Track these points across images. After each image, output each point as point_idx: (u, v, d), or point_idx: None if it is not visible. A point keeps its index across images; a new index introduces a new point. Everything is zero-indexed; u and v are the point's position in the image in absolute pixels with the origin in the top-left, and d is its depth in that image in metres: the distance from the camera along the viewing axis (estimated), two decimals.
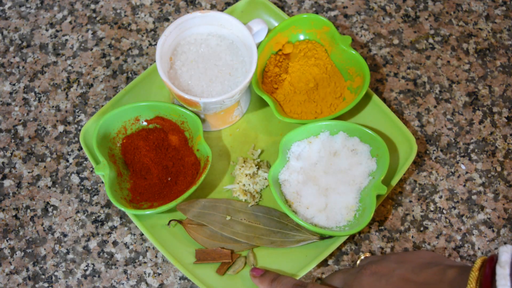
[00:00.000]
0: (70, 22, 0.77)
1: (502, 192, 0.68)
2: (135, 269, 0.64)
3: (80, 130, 0.70)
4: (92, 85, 0.73)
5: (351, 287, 0.53)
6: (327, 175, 0.64)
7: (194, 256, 0.63)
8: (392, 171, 0.65)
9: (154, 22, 0.77)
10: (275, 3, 0.77)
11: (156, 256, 0.64)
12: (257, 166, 0.66)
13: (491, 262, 0.45)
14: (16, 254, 0.65)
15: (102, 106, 0.70)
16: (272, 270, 0.62)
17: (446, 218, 0.66)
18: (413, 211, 0.67)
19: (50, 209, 0.67)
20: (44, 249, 0.65)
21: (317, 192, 0.63)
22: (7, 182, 0.68)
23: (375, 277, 0.52)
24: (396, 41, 0.76)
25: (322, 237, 0.62)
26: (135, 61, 0.74)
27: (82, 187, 0.68)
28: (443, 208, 0.67)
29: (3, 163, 0.69)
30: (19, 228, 0.66)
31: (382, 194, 0.62)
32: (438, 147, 0.70)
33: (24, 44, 0.75)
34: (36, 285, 0.63)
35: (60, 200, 0.67)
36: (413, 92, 0.73)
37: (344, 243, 0.65)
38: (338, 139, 0.66)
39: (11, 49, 0.75)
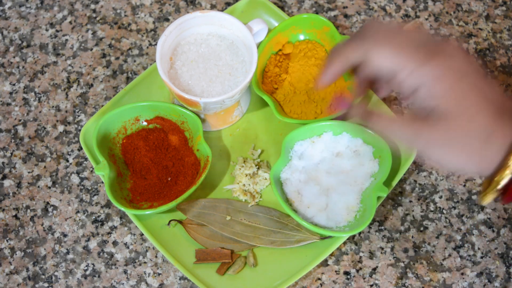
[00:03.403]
0: (70, 22, 0.77)
1: None
2: (135, 269, 0.64)
3: (80, 130, 0.70)
4: (92, 85, 0.73)
5: (441, 45, 0.47)
6: (329, 175, 0.64)
7: (194, 256, 0.63)
8: (392, 171, 0.65)
9: (154, 22, 0.77)
10: (275, 3, 0.77)
11: (156, 256, 0.64)
12: (257, 166, 0.66)
13: None
14: (16, 254, 0.65)
15: (102, 106, 0.70)
16: (272, 270, 0.62)
17: (446, 218, 0.66)
18: (413, 211, 0.67)
19: (50, 209, 0.67)
20: (44, 249, 0.65)
21: (318, 192, 0.63)
22: (7, 182, 0.68)
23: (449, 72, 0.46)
24: None
25: (322, 237, 0.62)
26: (135, 61, 0.74)
27: (82, 187, 0.68)
28: (443, 208, 0.67)
29: (3, 163, 0.69)
30: (19, 228, 0.66)
31: (383, 196, 0.62)
32: None
33: (24, 44, 0.75)
34: (36, 285, 0.63)
35: (60, 200, 0.67)
36: None
37: (344, 243, 0.65)
38: (341, 140, 0.66)
39: (11, 49, 0.75)
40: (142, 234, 0.65)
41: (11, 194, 0.67)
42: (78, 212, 0.66)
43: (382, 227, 0.66)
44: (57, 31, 0.76)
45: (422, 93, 0.47)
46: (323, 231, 0.61)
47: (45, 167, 0.69)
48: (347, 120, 0.54)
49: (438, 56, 0.46)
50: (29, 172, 0.68)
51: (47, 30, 0.76)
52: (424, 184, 0.68)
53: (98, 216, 0.66)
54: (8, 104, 0.72)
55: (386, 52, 0.48)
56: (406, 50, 0.47)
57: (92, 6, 0.78)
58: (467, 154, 0.46)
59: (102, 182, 0.68)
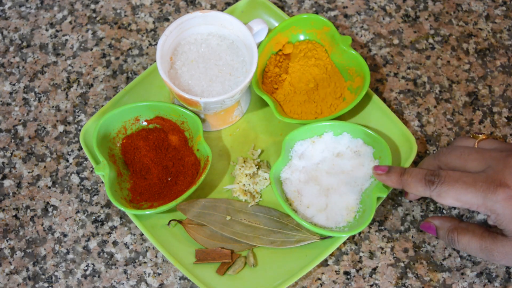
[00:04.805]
0: (70, 22, 0.77)
1: None
2: (135, 269, 0.64)
3: (80, 130, 0.70)
4: (92, 85, 0.73)
5: (500, 172, 0.54)
6: (330, 175, 0.64)
7: (194, 256, 0.63)
8: None
9: (154, 22, 0.77)
10: (275, 3, 0.77)
11: (156, 256, 0.64)
12: (257, 166, 0.66)
13: None
14: (16, 254, 0.65)
15: (102, 106, 0.71)
16: (272, 270, 0.62)
17: None
18: (413, 211, 0.67)
19: (50, 209, 0.67)
20: (44, 249, 0.65)
21: (318, 192, 0.63)
22: (7, 182, 0.68)
23: None
24: (396, 41, 0.76)
25: (322, 237, 0.62)
26: (135, 61, 0.74)
27: (82, 187, 0.68)
28: (443, 208, 0.67)
29: (3, 163, 0.69)
30: (19, 228, 0.66)
31: (382, 197, 0.62)
32: (438, 147, 0.70)
33: (24, 44, 0.75)
34: (36, 285, 0.63)
35: (60, 200, 0.67)
36: (413, 92, 0.73)
37: (344, 243, 0.65)
38: (342, 140, 0.66)
39: (11, 49, 0.75)
40: (142, 234, 0.65)
41: (11, 194, 0.67)
42: (78, 212, 0.66)
43: (382, 227, 0.66)
44: (57, 31, 0.76)
45: (493, 219, 0.56)
46: (322, 231, 0.61)
47: (45, 167, 0.69)
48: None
49: (500, 188, 0.54)
50: (29, 172, 0.68)
51: (47, 30, 0.76)
52: None
53: (98, 216, 0.66)
54: (8, 104, 0.72)
55: (450, 199, 0.56)
56: (469, 189, 0.54)
57: (92, 6, 0.78)
58: None
59: (102, 182, 0.68)
